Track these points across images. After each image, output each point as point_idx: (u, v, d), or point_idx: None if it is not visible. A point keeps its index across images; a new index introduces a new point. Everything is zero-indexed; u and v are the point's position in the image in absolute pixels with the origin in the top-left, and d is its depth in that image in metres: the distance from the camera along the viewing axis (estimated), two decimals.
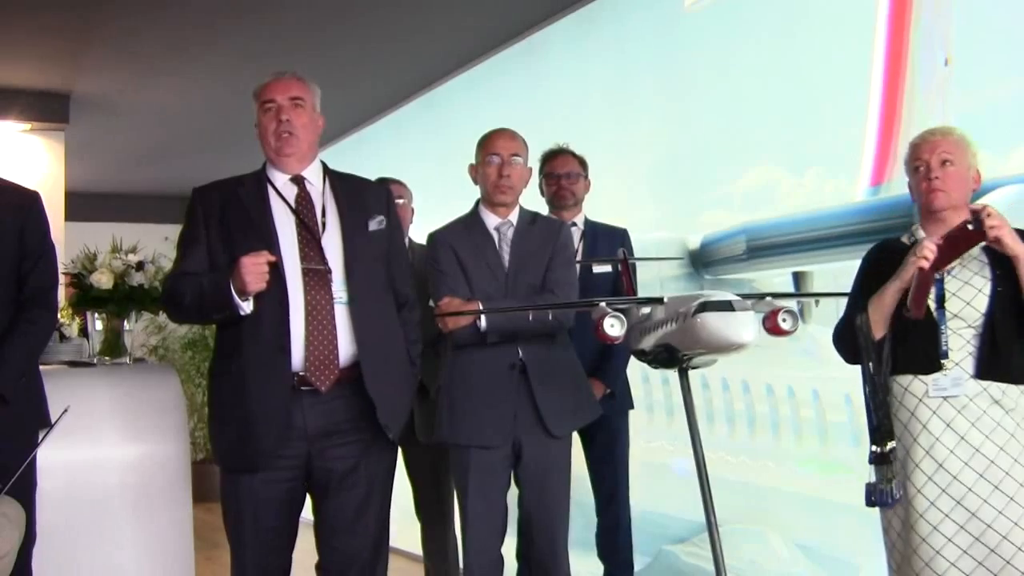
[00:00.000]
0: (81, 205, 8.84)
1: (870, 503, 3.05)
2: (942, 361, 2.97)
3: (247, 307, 3.10)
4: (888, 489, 3.00)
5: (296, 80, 3.33)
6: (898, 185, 3.93)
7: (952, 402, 2.95)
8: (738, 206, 4.71)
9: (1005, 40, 3.69)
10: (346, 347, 3.17)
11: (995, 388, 2.94)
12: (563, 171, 4.43)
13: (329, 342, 3.14)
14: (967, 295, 2.99)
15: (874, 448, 3.03)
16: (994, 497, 2.89)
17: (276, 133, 3.26)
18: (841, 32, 4.30)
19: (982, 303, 2.97)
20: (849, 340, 3.11)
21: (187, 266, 3.25)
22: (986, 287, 2.97)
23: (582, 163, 4.49)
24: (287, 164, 3.30)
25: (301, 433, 3.16)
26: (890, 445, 3.01)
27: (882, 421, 3.03)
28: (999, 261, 2.97)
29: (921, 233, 3.08)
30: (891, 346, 3.08)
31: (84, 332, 4.56)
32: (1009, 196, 3.43)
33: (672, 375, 3.76)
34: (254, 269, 3.05)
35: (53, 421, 3.34)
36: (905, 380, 3.04)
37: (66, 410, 3.26)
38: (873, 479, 3.04)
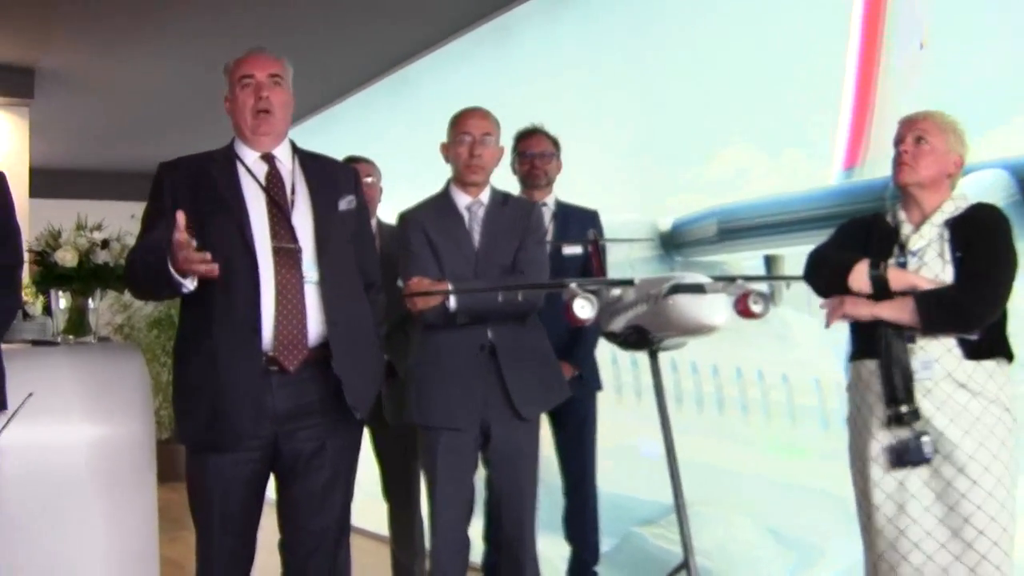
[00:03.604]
0: (46, 182, 8.76)
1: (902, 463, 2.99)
2: (908, 345, 2.98)
3: (190, 284, 3.03)
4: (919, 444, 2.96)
5: (274, 57, 3.29)
6: (871, 168, 3.93)
7: (916, 385, 2.96)
8: (711, 188, 4.71)
9: (980, 24, 3.69)
10: (315, 327, 3.13)
11: (960, 372, 2.95)
12: (536, 151, 4.42)
13: (298, 322, 3.11)
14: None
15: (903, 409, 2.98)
16: (958, 480, 2.91)
17: (254, 110, 3.22)
18: (816, 15, 4.29)
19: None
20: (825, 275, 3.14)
21: (149, 241, 3.20)
22: (946, 270, 2.98)
23: (555, 143, 4.48)
24: (262, 143, 3.26)
25: (270, 414, 3.13)
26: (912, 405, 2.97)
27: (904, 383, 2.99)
28: (962, 241, 2.98)
29: (902, 215, 3.10)
30: (852, 332, 3.11)
31: (48, 310, 4.50)
32: (984, 181, 3.44)
33: (641, 357, 3.76)
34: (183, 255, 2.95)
35: (13, 406, 3.26)
36: (871, 364, 3.05)
37: (29, 395, 3.20)
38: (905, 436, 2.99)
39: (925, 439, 2.95)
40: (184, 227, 2.93)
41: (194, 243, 2.94)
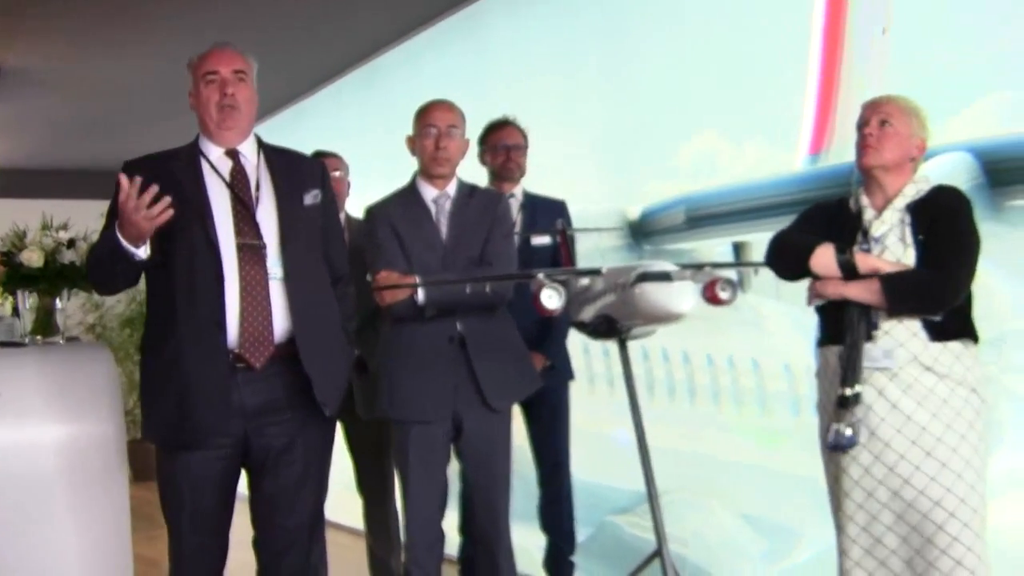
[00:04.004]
0: (10, 181, 8.70)
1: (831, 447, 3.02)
2: (872, 332, 2.99)
3: (142, 253, 3.02)
4: (839, 430, 2.97)
5: (238, 53, 3.27)
6: (836, 154, 3.94)
7: (883, 371, 2.97)
8: (679, 176, 4.71)
9: (942, 10, 3.70)
10: (281, 323, 3.13)
11: (926, 355, 2.96)
12: (511, 142, 4.41)
13: (264, 319, 3.10)
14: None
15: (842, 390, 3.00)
16: (927, 463, 2.92)
17: (219, 106, 3.20)
18: (780, 2, 4.29)
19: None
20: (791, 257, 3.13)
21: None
22: (907, 253, 2.99)
23: (524, 135, 4.47)
24: (227, 138, 3.24)
25: (239, 411, 3.12)
26: (855, 390, 2.98)
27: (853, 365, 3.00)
28: (924, 224, 2.99)
29: (865, 200, 3.10)
30: (821, 318, 3.12)
31: (16, 311, 4.47)
32: (946, 165, 3.45)
33: (612, 346, 3.76)
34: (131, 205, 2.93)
35: None
36: (836, 350, 3.05)
37: None
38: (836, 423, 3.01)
39: (846, 429, 2.95)
40: (127, 188, 2.91)
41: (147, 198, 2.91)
